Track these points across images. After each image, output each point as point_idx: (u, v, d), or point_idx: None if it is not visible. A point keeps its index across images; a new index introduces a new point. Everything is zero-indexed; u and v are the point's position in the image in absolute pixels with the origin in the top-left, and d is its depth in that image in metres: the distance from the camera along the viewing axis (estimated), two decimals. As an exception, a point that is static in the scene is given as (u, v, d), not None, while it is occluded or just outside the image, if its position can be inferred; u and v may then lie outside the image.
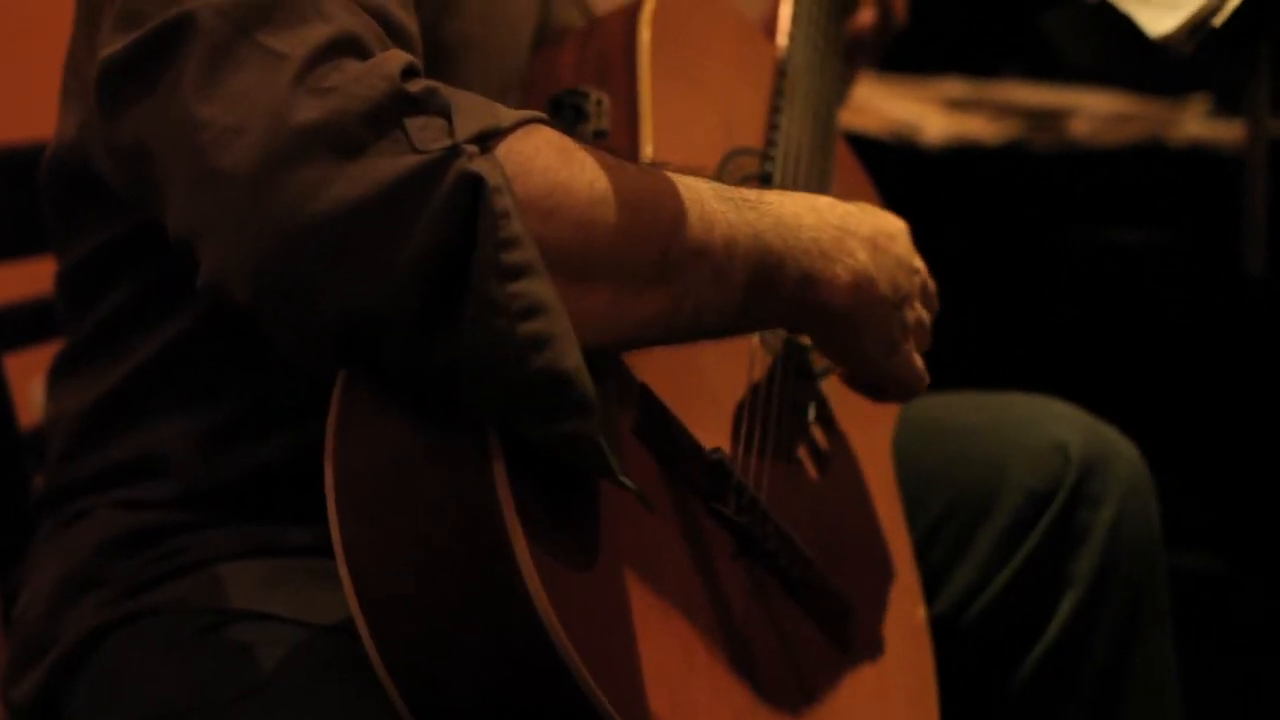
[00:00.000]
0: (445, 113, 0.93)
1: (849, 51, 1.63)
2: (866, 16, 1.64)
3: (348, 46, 0.94)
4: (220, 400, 1.24)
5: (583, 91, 1.22)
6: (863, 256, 1.11)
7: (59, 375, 1.33)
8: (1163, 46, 1.50)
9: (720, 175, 1.28)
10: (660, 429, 1.08)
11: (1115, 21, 1.59)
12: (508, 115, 0.95)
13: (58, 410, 1.32)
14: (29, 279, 1.48)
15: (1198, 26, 1.48)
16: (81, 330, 1.30)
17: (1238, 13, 1.46)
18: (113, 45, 1.01)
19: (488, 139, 0.93)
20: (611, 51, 1.29)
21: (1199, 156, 2.40)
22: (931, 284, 1.23)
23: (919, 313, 1.19)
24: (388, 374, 0.95)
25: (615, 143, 1.21)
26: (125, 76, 1.00)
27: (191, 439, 1.24)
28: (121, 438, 1.27)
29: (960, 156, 2.47)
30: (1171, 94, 2.56)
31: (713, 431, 1.13)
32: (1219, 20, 1.47)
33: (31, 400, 1.51)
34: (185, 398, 1.25)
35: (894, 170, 2.32)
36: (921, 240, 1.22)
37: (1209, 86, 2.54)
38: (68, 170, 1.25)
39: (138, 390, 1.26)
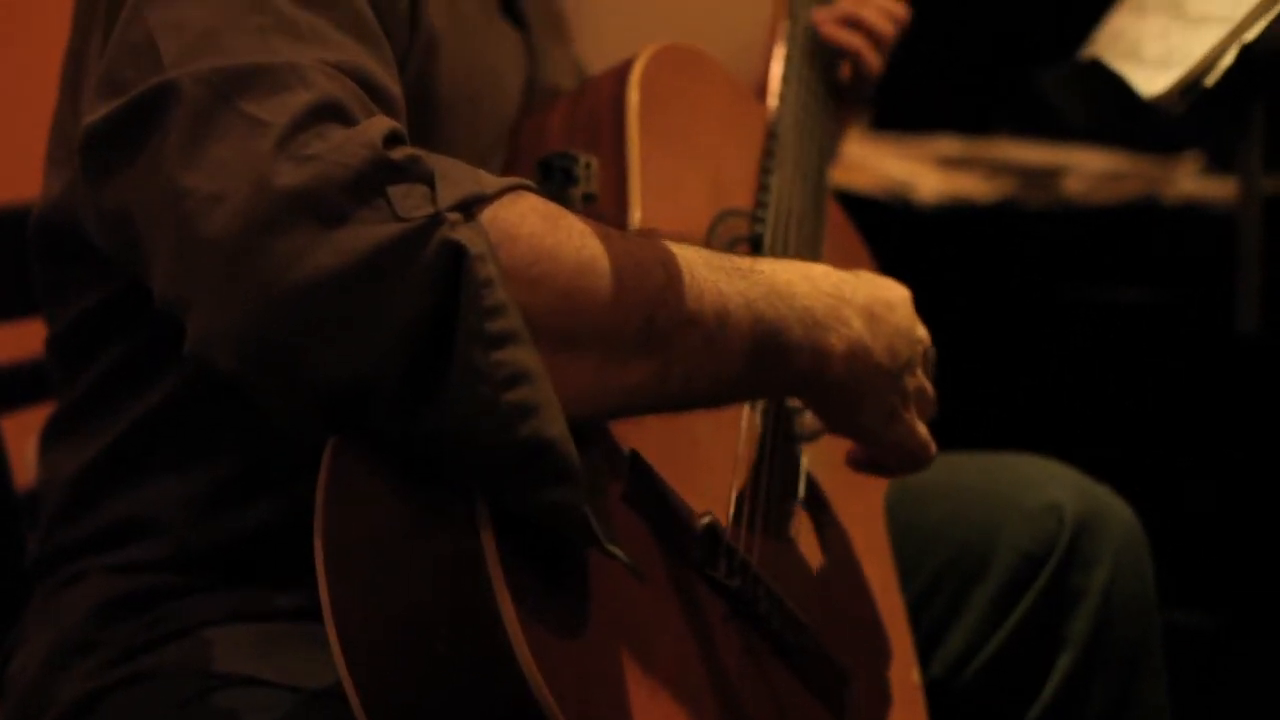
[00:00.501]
0: (428, 180, 0.92)
1: (839, 102, 1.63)
2: (847, 68, 1.64)
3: (330, 113, 0.94)
4: (211, 462, 1.24)
5: (572, 154, 1.22)
6: (858, 325, 1.10)
7: (51, 438, 1.33)
8: (1155, 106, 1.51)
9: (710, 237, 1.29)
10: (650, 495, 1.07)
11: (1108, 80, 1.60)
12: (492, 182, 0.95)
13: (50, 473, 1.32)
14: (24, 340, 1.48)
15: (1190, 86, 1.49)
16: (73, 393, 1.30)
17: (1229, 72, 1.47)
18: (96, 112, 1.01)
19: (471, 206, 0.92)
20: (601, 114, 1.29)
21: (1193, 214, 2.41)
22: (933, 352, 1.23)
23: (921, 381, 1.19)
24: (375, 440, 0.94)
25: (604, 206, 1.21)
26: (108, 144, 1.00)
27: (183, 501, 1.24)
28: (113, 500, 1.26)
29: (954, 215, 2.48)
30: (1165, 151, 2.57)
31: (704, 496, 1.13)
32: (1211, 80, 1.48)
33: (26, 460, 1.51)
34: (176, 460, 1.25)
35: (888, 228, 2.33)
36: (914, 297, 1.21)
37: (1202, 143, 2.55)
38: (55, 231, 1.26)
39: (129, 453, 1.26)
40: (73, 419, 1.30)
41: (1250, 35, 1.45)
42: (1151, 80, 1.51)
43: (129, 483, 1.26)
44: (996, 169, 2.58)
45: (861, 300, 1.12)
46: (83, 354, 1.28)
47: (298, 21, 1.00)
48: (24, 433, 1.50)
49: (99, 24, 1.09)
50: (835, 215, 1.52)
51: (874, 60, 1.63)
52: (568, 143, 1.29)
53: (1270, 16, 1.45)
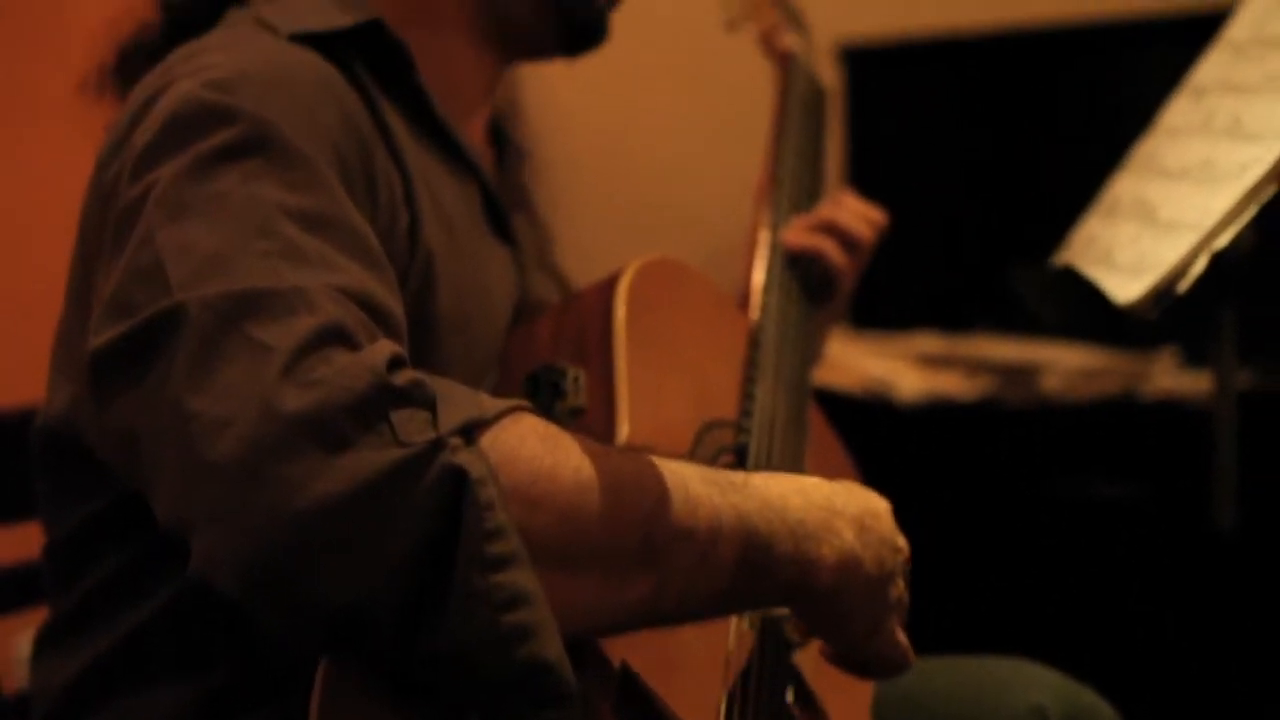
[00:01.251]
0: (430, 404, 0.95)
1: (819, 306, 1.65)
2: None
3: (334, 337, 0.97)
4: (204, 672, 1.24)
5: (560, 368, 1.25)
6: (849, 537, 1.12)
7: (45, 646, 1.33)
8: (1129, 312, 1.53)
9: (696, 448, 1.31)
10: (640, 707, 1.08)
11: (1082, 284, 1.63)
12: (492, 405, 0.98)
13: (43, 682, 1.31)
14: (14, 543, 1.49)
15: (1162, 294, 1.51)
16: (69, 601, 1.30)
17: (1200, 278, 1.50)
18: (104, 334, 1.03)
19: (472, 430, 0.95)
20: (588, 327, 1.32)
21: (1170, 410, 2.43)
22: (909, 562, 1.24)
23: (901, 590, 1.20)
24: (372, 660, 0.95)
25: (592, 419, 1.24)
26: (116, 366, 1.03)
27: (175, 711, 1.24)
28: (106, 710, 1.26)
29: (934, 412, 2.50)
30: (1142, 346, 2.60)
31: (694, 706, 1.14)
32: (1183, 287, 1.50)
33: (15, 661, 1.51)
34: (170, 670, 1.24)
35: (869, 426, 2.35)
36: (895, 497, 1.23)
37: (1177, 339, 2.57)
38: (58, 441, 1.27)
39: (122, 662, 1.26)
40: (68, 627, 1.30)
41: (1220, 243, 1.48)
42: (1124, 287, 1.54)
43: (122, 692, 1.25)
44: (975, 366, 2.61)
45: (853, 511, 1.14)
46: (81, 562, 1.28)
47: (303, 246, 1.04)
48: (11, 631, 1.51)
49: (107, 241, 1.12)
50: (817, 421, 1.54)
51: (843, 260, 1.64)
52: (555, 355, 1.31)
53: (1239, 225, 1.48)
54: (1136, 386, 2.49)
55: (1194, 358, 2.52)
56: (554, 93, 3.55)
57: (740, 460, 1.35)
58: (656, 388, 1.30)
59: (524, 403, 1.01)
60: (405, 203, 1.25)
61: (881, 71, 3.19)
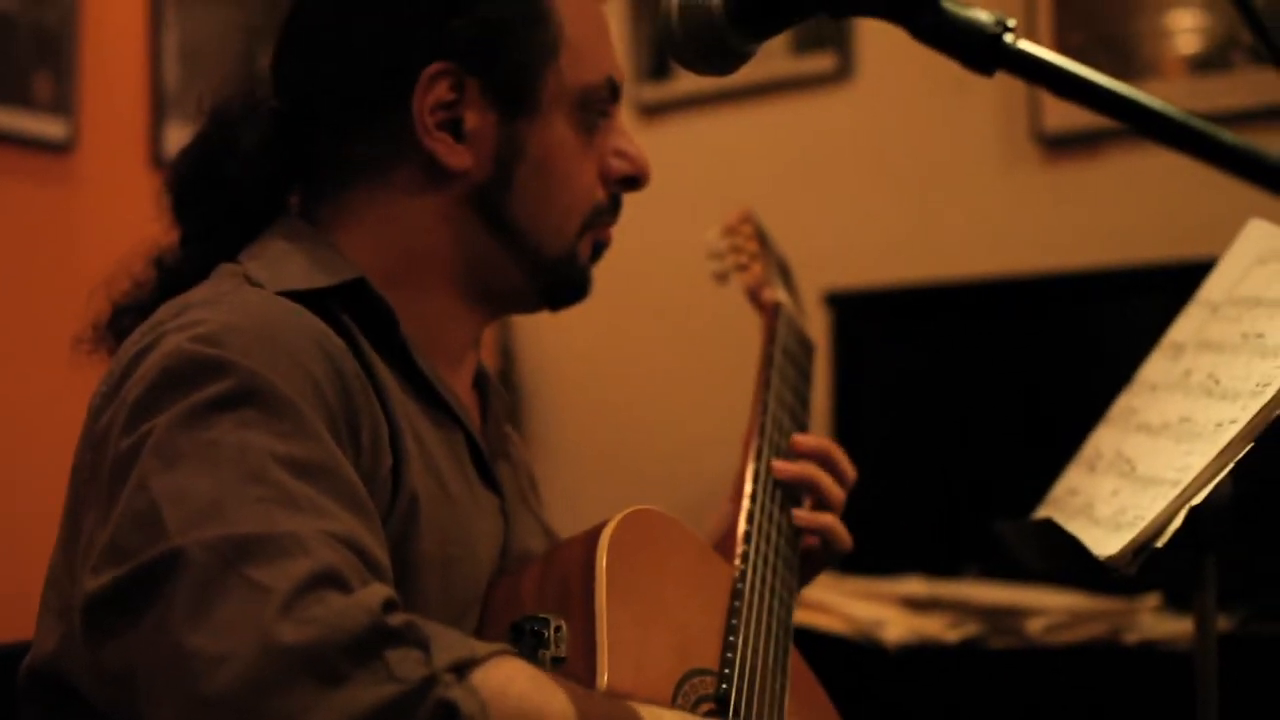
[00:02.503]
0: (423, 644, 1.00)
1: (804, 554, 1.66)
2: (812, 539, 1.66)
3: (329, 580, 1.01)
4: None
5: (543, 618, 1.28)
6: None
7: None
8: (1109, 565, 1.55)
9: (676, 696, 1.32)
10: None
11: (1064, 535, 1.65)
12: (483, 647, 1.02)
13: None
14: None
15: (1141, 548, 1.53)
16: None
17: (1179, 531, 1.52)
18: (99, 579, 1.06)
19: (464, 668, 0.99)
20: (571, 578, 1.34)
21: (1153, 654, 2.44)
22: None
23: None
24: None
25: (572, 668, 1.25)
26: (113, 609, 1.06)
27: None
28: None
29: (920, 655, 2.51)
30: (1125, 592, 2.61)
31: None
32: (1161, 542, 1.52)
33: None
34: None
35: (858, 668, 2.36)
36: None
37: (1159, 585, 2.59)
38: (47, 681, 1.28)
39: None
40: None
41: (1197, 500, 1.50)
42: (1104, 542, 1.56)
43: None
44: (961, 610, 2.62)
45: None
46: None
47: (295, 492, 1.08)
48: None
49: (100, 489, 1.16)
50: (799, 667, 1.55)
51: (836, 491, 1.65)
52: (539, 605, 1.33)
53: (1215, 482, 1.51)
54: (1119, 631, 2.50)
55: (1176, 602, 2.54)
56: (544, 342, 3.61)
57: (721, 709, 1.36)
58: (638, 638, 1.32)
59: (510, 647, 1.06)
60: (390, 446, 1.28)
61: (867, 317, 3.26)
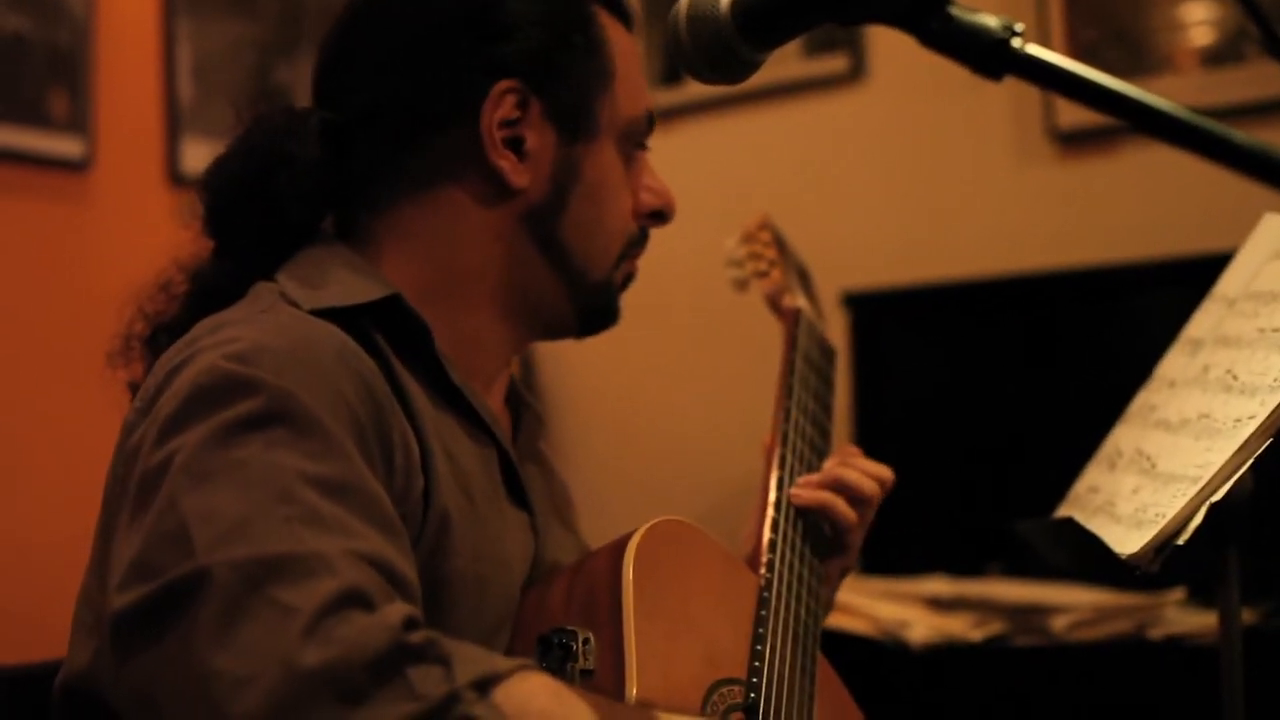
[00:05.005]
0: (445, 661, 1.00)
1: (827, 559, 1.66)
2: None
3: (354, 600, 1.02)
4: None
5: (571, 630, 1.28)
6: None
7: None
8: (1130, 563, 1.55)
9: (705, 707, 1.32)
10: None
11: (1086, 533, 1.65)
12: (504, 663, 1.03)
13: None
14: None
15: (1162, 545, 1.53)
16: None
17: (1201, 527, 1.52)
18: (127, 595, 1.07)
19: (486, 684, 0.99)
20: (598, 589, 1.34)
21: (1179, 649, 2.44)
22: None
23: None
24: None
25: (601, 680, 1.26)
26: (140, 626, 1.06)
27: None
28: None
29: (946, 655, 2.50)
30: (1150, 587, 2.61)
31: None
32: (1183, 539, 1.52)
33: None
34: None
35: (883, 668, 2.36)
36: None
37: (1183, 579, 2.58)
38: (79, 698, 1.29)
39: None
40: None
41: (1217, 496, 1.50)
42: (1125, 540, 1.56)
43: None
44: (986, 609, 2.61)
45: None
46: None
47: (323, 512, 1.09)
48: None
49: (129, 504, 1.16)
50: (826, 673, 1.55)
51: (849, 514, 1.64)
52: (567, 617, 1.34)
53: (1235, 478, 1.51)
54: (1145, 626, 2.49)
55: (1201, 596, 2.53)
56: (564, 350, 3.61)
57: (750, 717, 1.36)
58: (666, 648, 1.33)
59: (531, 662, 1.06)
60: (421, 467, 1.29)
61: (886, 318, 3.25)
